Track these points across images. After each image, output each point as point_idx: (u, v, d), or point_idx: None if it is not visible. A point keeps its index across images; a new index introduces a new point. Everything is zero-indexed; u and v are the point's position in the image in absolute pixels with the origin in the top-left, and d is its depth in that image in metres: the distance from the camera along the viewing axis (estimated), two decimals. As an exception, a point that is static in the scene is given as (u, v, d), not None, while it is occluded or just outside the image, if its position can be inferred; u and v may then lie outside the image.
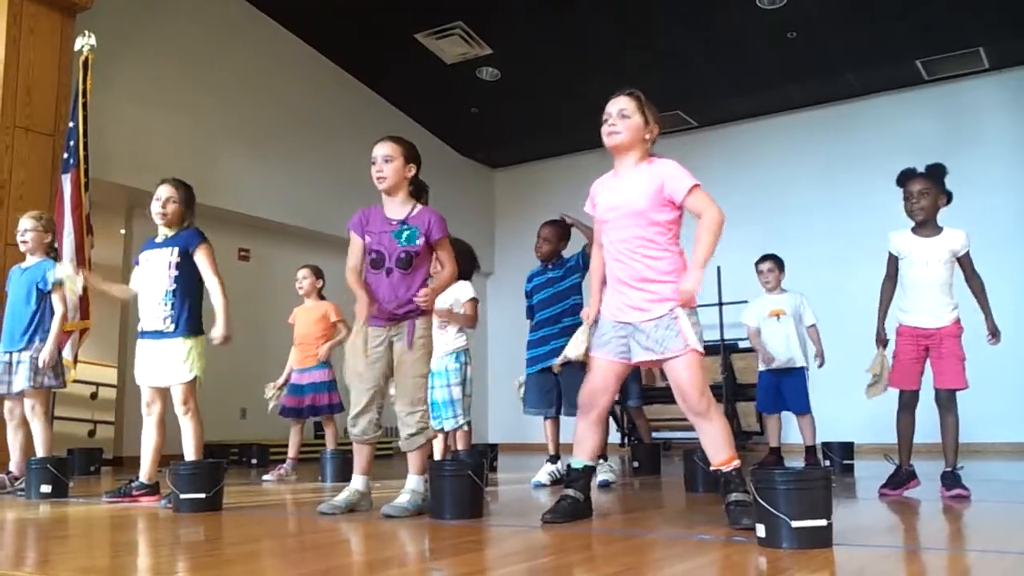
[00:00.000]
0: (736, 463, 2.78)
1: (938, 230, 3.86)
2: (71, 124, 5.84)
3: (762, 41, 8.14)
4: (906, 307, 3.86)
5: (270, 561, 2.37)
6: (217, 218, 8.09)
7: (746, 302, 5.92)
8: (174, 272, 3.85)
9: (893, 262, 3.96)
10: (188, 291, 3.88)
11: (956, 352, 3.75)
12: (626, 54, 8.49)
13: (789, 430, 5.91)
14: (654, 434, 7.27)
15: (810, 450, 5.39)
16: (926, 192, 3.83)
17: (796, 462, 5.42)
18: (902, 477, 3.81)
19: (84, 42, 5.86)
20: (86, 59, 5.85)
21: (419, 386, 3.29)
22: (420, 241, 3.30)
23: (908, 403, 3.84)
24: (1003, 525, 2.99)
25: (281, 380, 5.84)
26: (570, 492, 2.97)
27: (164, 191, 3.95)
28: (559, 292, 4.79)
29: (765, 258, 5.59)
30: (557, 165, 10.59)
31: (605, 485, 4.44)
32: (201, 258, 3.90)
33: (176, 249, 3.89)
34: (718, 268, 8.64)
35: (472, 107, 9.83)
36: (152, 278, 3.90)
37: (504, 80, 9.10)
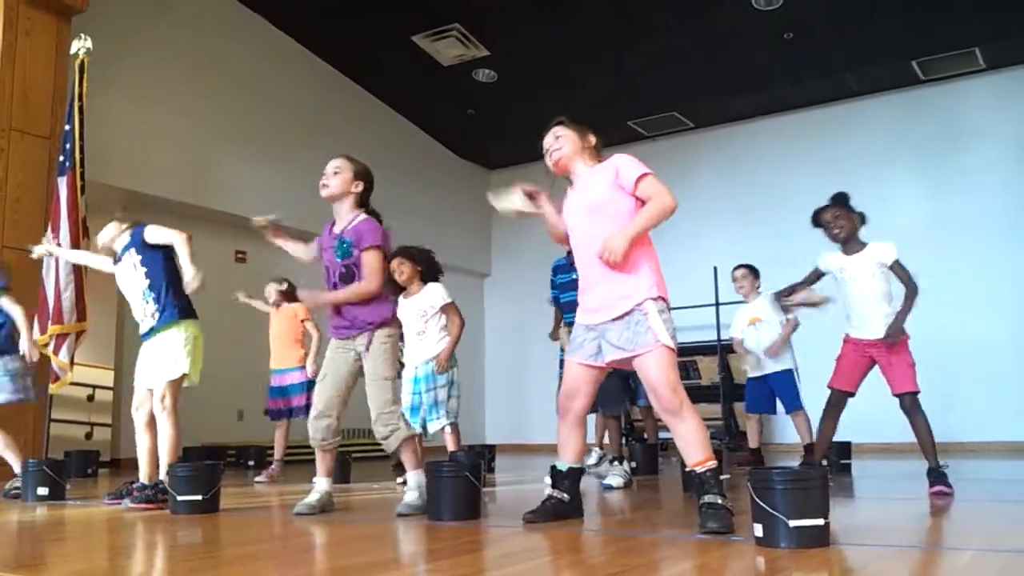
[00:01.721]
0: (711, 463, 2.68)
1: (862, 246, 4.01)
2: (67, 127, 5.83)
3: (759, 42, 8.15)
4: (850, 321, 4.07)
5: (268, 563, 2.37)
6: (213, 220, 8.09)
7: (743, 303, 5.95)
8: (143, 269, 3.89)
9: (814, 272, 4.19)
10: (163, 280, 3.87)
11: (904, 359, 3.88)
12: (622, 56, 8.51)
13: (789, 429, 5.94)
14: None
15: (808, 448, 5.42)
16: (839, 216, 4.02)
17: (793, 461, 5.43)
18: None
19: (80, 45, 5.86)
20: (82, 62, 5.84)
21: (385, 388, 3.29)
22: (356, 252, 3.31)
23: (836, 403, 4.00)
24: (997, 524, 2.99)
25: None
26: (555, 493, 2.97)
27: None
28: None
29: (738, 267, 5.87)
30: (554, 166, 10.55)
31: (608, 489, 4.46)
32: (153, 230, 3.90)
33: (133, 249, 3.93)
34: (715, 268, 8.65)
35: (469, 108, 9.83)
36: (129, 285, 3.96)
37: (500, 81, 9.11)
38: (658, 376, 2.70)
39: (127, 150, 7.11)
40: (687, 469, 2.80)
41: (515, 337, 10.63)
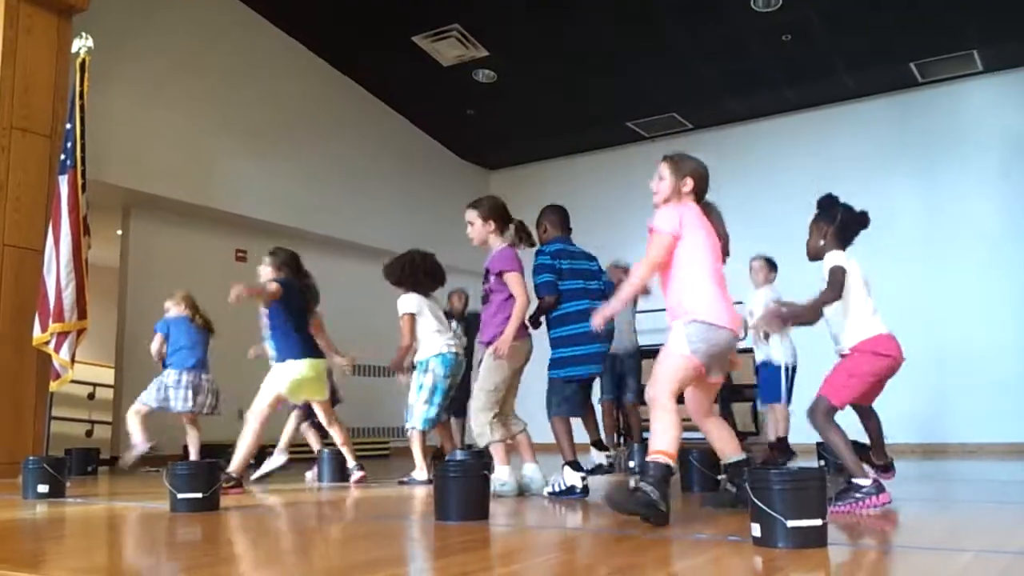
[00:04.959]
0: (656, 456, 2.78)
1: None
2: (68, 126, 5.84)
3: (757, 44, 8.17)
4: None
5: (268, 560, 2.38)
6: (214, 219, 8.10)
7: (740, 303, 5.99)
8: (266, 320, 4.75)
9: None
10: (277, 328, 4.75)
11: (840, 365, 3.37)
12: (622, 57, 8.52)
13: (805, 426, 6.04)
14: (645, 434, 7.36)
15: (771, 444, 5.56)
16: (810, 231, 3.64)
17: (809, 462, 5.46)
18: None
19: (81, 44, 5.87)
20: (83, 61, 5.85)
21: (478, 396, 3.84)
22: (492, 279, 3.88)
23: (860, 413, 3.63)
24: (998, 525, 3.00)
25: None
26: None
27: None
28: None
29: (756, 257, 6.12)
30: (553, 167, 10.58)
31: (598, 469, 4.87)
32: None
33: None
34: (714, 270, 8.66)
35: (468, 109, 9.84)
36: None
37: (500, 82, 9.11)
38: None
39: (128, 149, 7.11)
40: None
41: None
